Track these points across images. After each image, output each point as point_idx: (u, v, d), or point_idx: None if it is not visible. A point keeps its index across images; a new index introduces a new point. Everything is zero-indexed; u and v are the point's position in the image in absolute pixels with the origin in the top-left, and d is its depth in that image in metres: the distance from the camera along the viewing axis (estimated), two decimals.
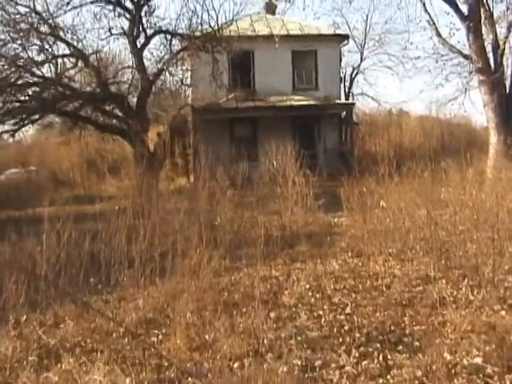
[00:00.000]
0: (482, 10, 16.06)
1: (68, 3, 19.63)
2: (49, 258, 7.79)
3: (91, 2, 20.18)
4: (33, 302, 7.39)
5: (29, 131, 31.21)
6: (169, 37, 21.30)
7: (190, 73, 24.23)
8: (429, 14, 16.73)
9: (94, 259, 8.56)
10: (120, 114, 21.67)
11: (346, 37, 27.56)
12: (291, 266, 9.58)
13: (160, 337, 6.43)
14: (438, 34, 16.89)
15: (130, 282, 8.01)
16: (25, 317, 6.90)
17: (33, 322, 6.85)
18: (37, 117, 20.86)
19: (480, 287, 7.62)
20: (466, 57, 17.11)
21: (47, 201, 9.78)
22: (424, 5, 16.74)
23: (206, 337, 6.22)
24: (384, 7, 50.86)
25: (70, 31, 20.55)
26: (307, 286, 8.10)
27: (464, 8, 16.05)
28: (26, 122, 20.32)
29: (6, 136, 23.64)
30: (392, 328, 6.46)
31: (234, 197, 13.91)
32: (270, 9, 29.77)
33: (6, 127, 21.04)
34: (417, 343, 6.04)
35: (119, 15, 20.62)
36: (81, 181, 26.05)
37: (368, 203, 11.31)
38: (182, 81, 22.37)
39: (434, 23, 16.69)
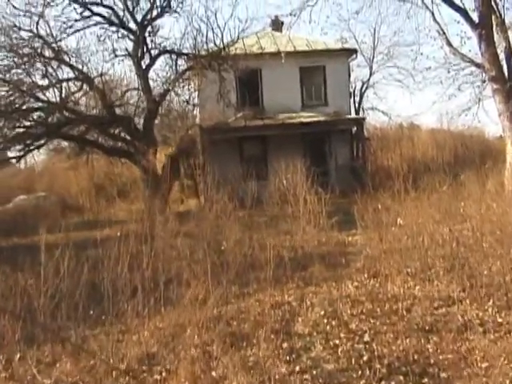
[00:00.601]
0: (493, 16, 15.57)
1: (71, 26, 19.43)
2: (47, 290, 7.32)
3: (94, 25, 20.01)
4: (30, 338, 6.93)
5: (40, 156, 31.15)
6: (174, 57, 21.04)
7: (197, 92, 23.90)
8: (438, 23, 16.27)
9: (96, 289, 8.07)
10: (127, 136, 21.34)
11: (354, 51, 27.11)
12: (304, 289, 9.05)
13: (163, 374, 5.92)
14: (449, 44, 16.39)
15: (133, 313, 7.50)
16: (18, 355, 6.43)
17: (28, 361, 6.36)
18: (42, 142, 20.53)
19: (509, 308, 7.09)
20: (478, 66, 16.58)
21: (44, 228, 9.32)
22: (433, 14, 16.28)
23: (213, 373, 5.72)
24: (392, 20, 50.07)
25: (74, 55, 20.39)
26: (322, 313, 7.55)
27: (474, 16, 15.56)
28: (31, 147, 20.03)
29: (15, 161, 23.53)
30: (415, 357, 5.93)
31: (243, 218, 13.47)
32: (276, 26, 29.44)
33: (14, 153, 20.88)
34: (443, 374, 5.52)
35: (123, 36, 20.41)
36: (90, 205, 25.70)
37: (383, 220, 10.77)
38: (187, 101, 22.00)
39: (444, 32, 16.22)
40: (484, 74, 17.13)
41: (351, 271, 9.91)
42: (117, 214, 22.19)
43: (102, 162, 27.48)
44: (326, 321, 7.24)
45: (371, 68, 33.66)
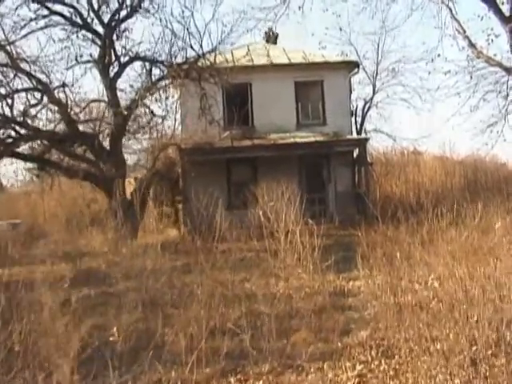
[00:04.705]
0: None
1: (24, 26, 16.54)
2: None
3: (53, 26, 17.10)
4: None
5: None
6: (148, 65, 18.13)
7: (174, 106, 21.05)
8: (458, 21, 13.40)
9: None
10: (91, 156, 18.42)
11: (355, 64, 24.23)
12: (282, 377, 5.94)
13: None
14: (471, 44, 13.50)
15: None
16: None
17: None
18: None
19: None
20: (507, 70, 13.66)
21: None
22: (451, 10, 13.44)
23: None
24: (398, 30, 47.06)
25: (33, 63, 17.52)
26: None
27: (504, 8, 12.72)
28: None
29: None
30: None
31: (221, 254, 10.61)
32: (271, 38, 26.78)
33: None
34: None
35: (87, 39, 17.50)
36: (58, 235, 23.04)
37: (399, 267, 7.76)
38: (153, 112, 18.84)
39: (465, 31, 13.36)
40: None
41: (352, 343, 6.81)
42: (88, 244, 19.55)
43: (72, 186, 24.69)
44: None
45: (374, 86, 30.64)
